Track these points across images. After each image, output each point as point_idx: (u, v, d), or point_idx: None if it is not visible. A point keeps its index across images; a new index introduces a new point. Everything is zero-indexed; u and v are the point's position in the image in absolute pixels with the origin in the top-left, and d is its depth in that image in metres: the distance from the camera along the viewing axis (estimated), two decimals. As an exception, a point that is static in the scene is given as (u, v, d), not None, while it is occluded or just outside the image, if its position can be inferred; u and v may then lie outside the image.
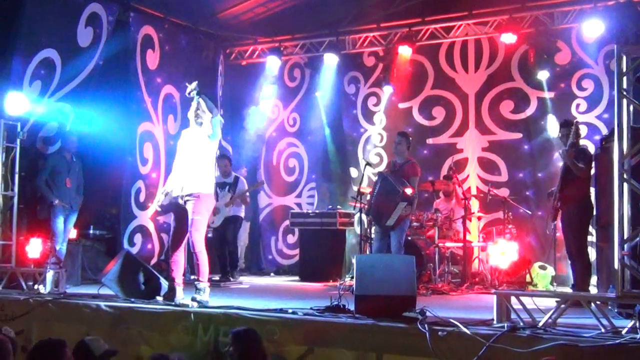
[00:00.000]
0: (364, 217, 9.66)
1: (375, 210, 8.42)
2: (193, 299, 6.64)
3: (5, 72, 9.00)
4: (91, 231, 10.73)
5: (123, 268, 7.27)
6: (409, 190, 8.28)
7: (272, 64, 12.40)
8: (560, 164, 7.85)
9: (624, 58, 5.37)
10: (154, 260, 10.82)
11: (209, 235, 10.84)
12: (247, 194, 10.59)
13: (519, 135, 11.09)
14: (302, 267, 11.16)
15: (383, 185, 8.44)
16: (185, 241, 7.13)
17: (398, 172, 8.59)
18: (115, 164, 10.61)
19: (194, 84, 7.05)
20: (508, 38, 10.67)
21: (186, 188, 6.93)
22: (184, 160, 7.08)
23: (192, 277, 7.18)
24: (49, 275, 7.76)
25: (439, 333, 5.15)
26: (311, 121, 12.72)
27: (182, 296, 6.88)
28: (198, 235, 6.93)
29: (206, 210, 7.04)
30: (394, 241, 8.33)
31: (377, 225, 8.53)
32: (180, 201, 6.98)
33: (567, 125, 7.77)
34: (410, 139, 9.08)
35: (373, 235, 8.74)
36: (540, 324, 5.23)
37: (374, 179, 9.70)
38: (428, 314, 5.54)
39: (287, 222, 11.98)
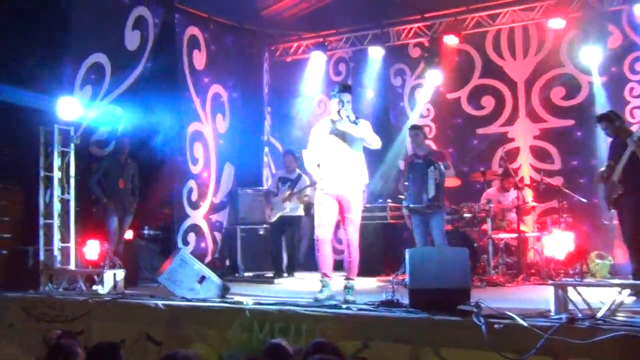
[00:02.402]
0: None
1: (413, 197, 8.34)
2: (346, 301, 6.57)
3: (57, 78, 9.20)
4: (146, 231, 10.88)
5: (178, 267, 7.36)
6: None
7: (317, 59, 12.41)
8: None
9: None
10: (208, 259, 10.96)
11: (260, 232, 10.96)
12: (307, 192, 10.27)
13: (571, 122, 10.87)
14: (354, 261, 11.11)
15: (414, 172, 8.38)
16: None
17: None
18: (167, 164, 10.75)
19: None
20: (556, 23, 10.50)
21: (343, 185, 6.87)
22: (335, 155, 6.94)
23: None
24: (107, 275, 7.93)
25: (495, 326, 5.07)
26: (358, 115, 12.61)
27: None
28: (356, 233, 6.95)
29: (361, 208, 7.05)
30: (436, 229, 8.24)
31: (415, 216, 8.43)
32: (334, 194, 6.91)
33: (600, 120, 7.66)
34: (425, 129, 8.98)
35: (413, 231, 8.64)
36: (599, 314, 5.12)
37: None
38: (483, 306, 5.48)
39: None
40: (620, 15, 10.41)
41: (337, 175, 6.87)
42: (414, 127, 8.97)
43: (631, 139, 7.16)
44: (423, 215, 8.31)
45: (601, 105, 10.32)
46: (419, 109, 12.12)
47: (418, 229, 8.40)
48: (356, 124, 6.84)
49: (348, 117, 6.85)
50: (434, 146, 10.68)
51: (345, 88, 7.10)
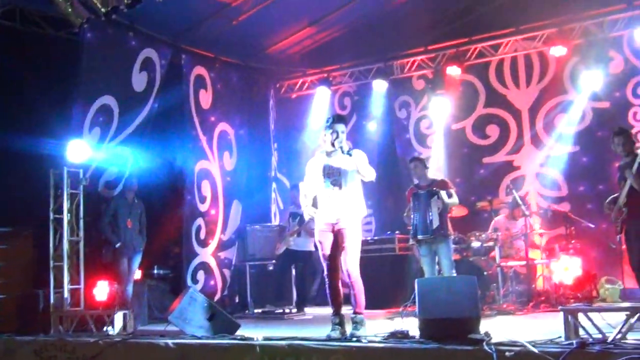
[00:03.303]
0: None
1: (418, 227, 8.36)
2: (352, 336, 6.39)
3: (66, 122, 9.27)
4: (155, 271, 10.88)
5: (188, 306, 7.38)
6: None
7: (322, 94, 12.52)
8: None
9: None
10: (217, 296, 10.95)
11: (270, 268, 10.93)
12: (312, 225, 10.24)
13: (577, 148, 10.90)
14: (363, 294, 11.08)
15: (417, 203, 8.43)
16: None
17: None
18: (175, 203, 10.84)
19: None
20: (558, 51, 10.62)
21: (339, 218, 6.64)
22: (330, 187, 6.69)
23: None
24: (117, 316, 7.94)
25: (507, 354, 5.02)
26: (364, 148, 12.66)
27: None
28: (355, 266, 6.76)
29: (359, 239, 6.83)
30: (444, 259, 8.26)
31: (423, 246, 8.43)
32: (330, 227, 6.70)
33: (620, 134, 7.61)
34: (425, 160, 9.12)
35: (421, 261, 8.61)
36: (610, 338, 5.08)
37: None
38: (493, 334, 5.46)
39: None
40: (621, 40, 10.50)
41: (332, 207, 6.68)
42: (412, 160, 9.05)
43: (629, 174, 7.19)
44: (430, 245, 8.33)
45: (606, 130, 10.33)
46: (432, 140, 12.12)
47: (426, 259, 8.41)
48: (350, 154, 6.67)
49: (341, 148, 6.71)
50: (440, 176, 10.69)
51: (339, 119, 6.94)
